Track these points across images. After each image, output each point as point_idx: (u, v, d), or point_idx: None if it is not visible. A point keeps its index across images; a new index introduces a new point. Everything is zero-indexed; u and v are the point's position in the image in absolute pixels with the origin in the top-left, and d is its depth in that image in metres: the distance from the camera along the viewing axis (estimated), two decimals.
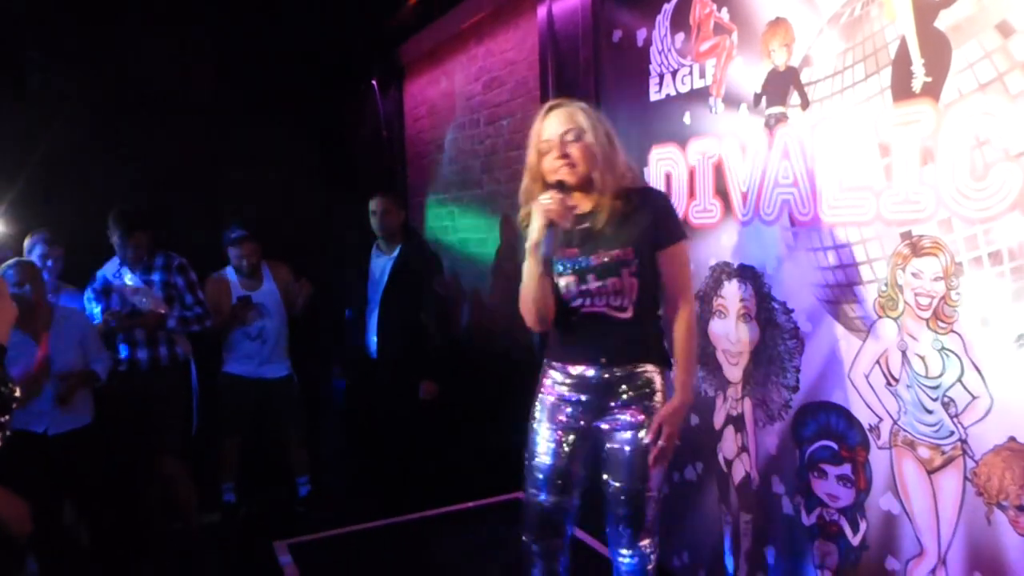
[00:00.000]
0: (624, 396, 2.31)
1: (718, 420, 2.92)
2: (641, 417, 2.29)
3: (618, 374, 2.31)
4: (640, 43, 3.19)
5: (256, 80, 5.47)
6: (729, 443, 2.87)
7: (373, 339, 4.29)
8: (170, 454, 3.78)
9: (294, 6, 4.99)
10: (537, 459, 2.40)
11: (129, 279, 3.73)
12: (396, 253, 4.28)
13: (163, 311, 3.69)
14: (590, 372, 2.33)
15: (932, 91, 2.01)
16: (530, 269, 2.23)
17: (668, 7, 3.02)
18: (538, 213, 2.16)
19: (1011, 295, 1.85)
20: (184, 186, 5.24)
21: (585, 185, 2.25)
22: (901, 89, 2.09)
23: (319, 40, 5.42)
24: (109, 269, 3.79)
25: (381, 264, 4.32)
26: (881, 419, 2.23)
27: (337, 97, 6.29)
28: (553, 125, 2.25)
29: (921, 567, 2.13)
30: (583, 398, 2.35)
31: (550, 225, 2.15)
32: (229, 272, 4.20)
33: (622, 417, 2.31)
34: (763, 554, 2.74)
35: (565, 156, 2.22)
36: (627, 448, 2.30)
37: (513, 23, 4.54)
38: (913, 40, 2.05)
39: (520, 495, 4.19)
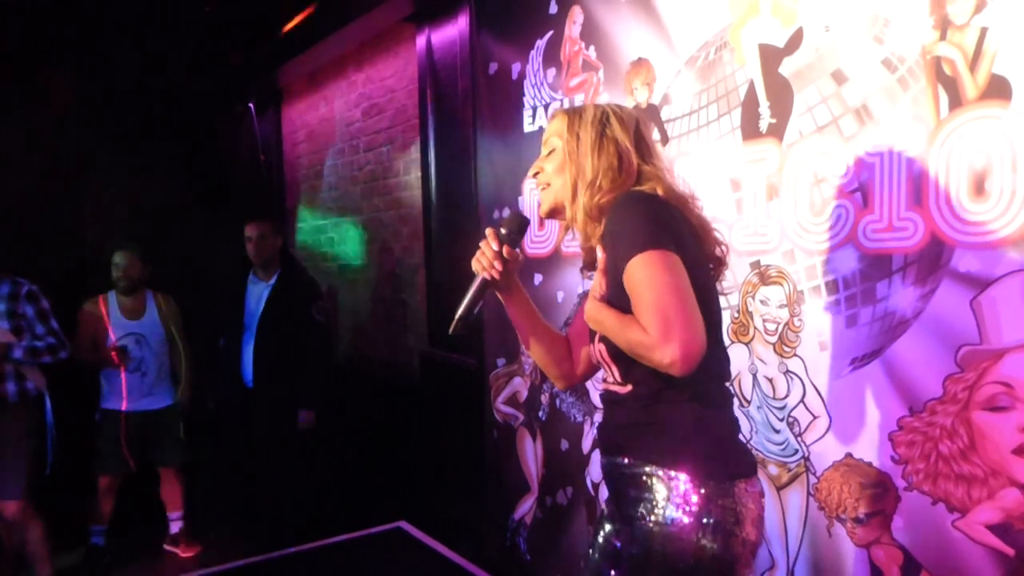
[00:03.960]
0: (624, 508, 1.61)
1: (586, 445, 3.00)
2: (618, 544, 1.66)
3: (619, 472, 1.62)
4: (515, 76, 3.28)
5: (128, 98, 5.27)
6: (597, 467, 2.95)
7: (249, 368, 4.18)
8: (13, 498, 3.51)
9: (169, 24, 4.85)
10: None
11: None
12: (274, 280, 4.19)
13: (8, 341, 3.45)
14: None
15: (777, 132, 2.16)
16: None
17: (541, 43, 3.12)
18: None
19: (845, 321, 2.00)
20: (48, 208, 4.97)
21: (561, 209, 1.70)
22: (750, 129, 2.25)
23: (195, 59, 5.28)
24: None
25: (258, 291, 4.21)
26: None
27: (213, 118, 6.13)
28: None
29: None
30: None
31: (483, 281, 1.70)
32: (111, 297, 4.03)
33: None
34: None
35: (535, 175, 1.74)
36: None
37: (393, 51, 4.57)
38: (760, 84, 2.21)
39: (401, 524, 4.20)
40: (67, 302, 3.88)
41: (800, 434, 2.14)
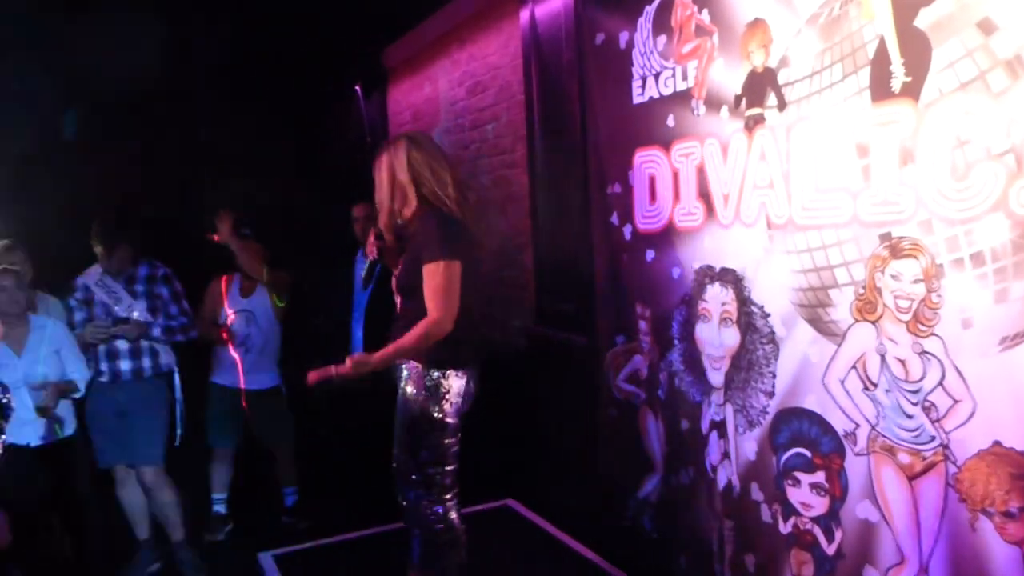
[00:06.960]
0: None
1: (704, 425, 2.88)
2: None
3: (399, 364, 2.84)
4: (623, 45, 3.15)
5: (239, 85, 5.42)
6: (714, 449, 2.83)
7: (359, 345, 4.25)
8: (152, 465, 3.73)
9: (277, 9, 4.94)
10: None
11: (112, 289, 3.68)
12: None
13: (147, 320, 3.65)
14: None
15: (912, 91, 1.97)
16: None
17: (650, 9, 2.99)
18: None
19: (993, 297, 1.82)
20: (164, 192, 5.20)
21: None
22: (880, 89, 2.06)
23: (302, 44, 5.37)
24: (91, 278, 3.71)
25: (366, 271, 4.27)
26: (858, 425, 2.19)
27: (321, 102, 6.24)
28: None
29: None
30: None
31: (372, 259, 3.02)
32: (236, 277, 4.19)
33: None
34: (744, 561, 2.70)
35: None
36: None
37: (495, 27, 4.51)
38: (892, 39, 2.02)
39: (509, 501, 4.19)
40: (186, 285, 4.02)
41: (938, 420, 1.96)
